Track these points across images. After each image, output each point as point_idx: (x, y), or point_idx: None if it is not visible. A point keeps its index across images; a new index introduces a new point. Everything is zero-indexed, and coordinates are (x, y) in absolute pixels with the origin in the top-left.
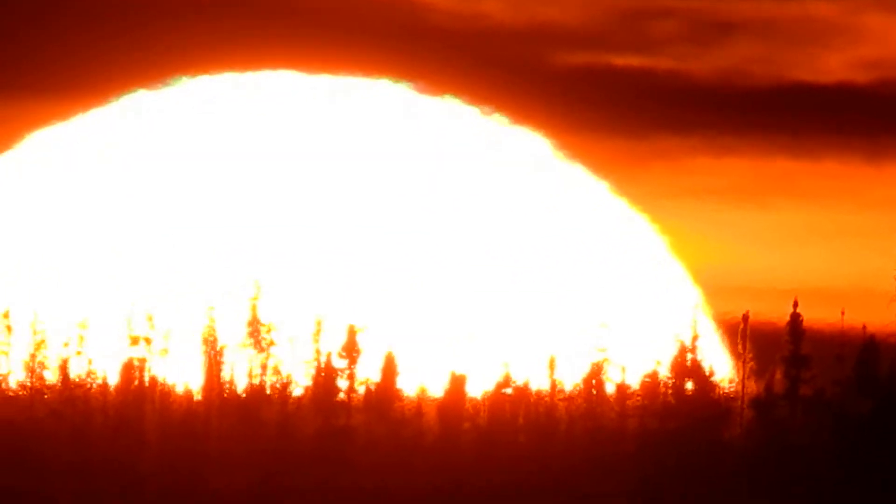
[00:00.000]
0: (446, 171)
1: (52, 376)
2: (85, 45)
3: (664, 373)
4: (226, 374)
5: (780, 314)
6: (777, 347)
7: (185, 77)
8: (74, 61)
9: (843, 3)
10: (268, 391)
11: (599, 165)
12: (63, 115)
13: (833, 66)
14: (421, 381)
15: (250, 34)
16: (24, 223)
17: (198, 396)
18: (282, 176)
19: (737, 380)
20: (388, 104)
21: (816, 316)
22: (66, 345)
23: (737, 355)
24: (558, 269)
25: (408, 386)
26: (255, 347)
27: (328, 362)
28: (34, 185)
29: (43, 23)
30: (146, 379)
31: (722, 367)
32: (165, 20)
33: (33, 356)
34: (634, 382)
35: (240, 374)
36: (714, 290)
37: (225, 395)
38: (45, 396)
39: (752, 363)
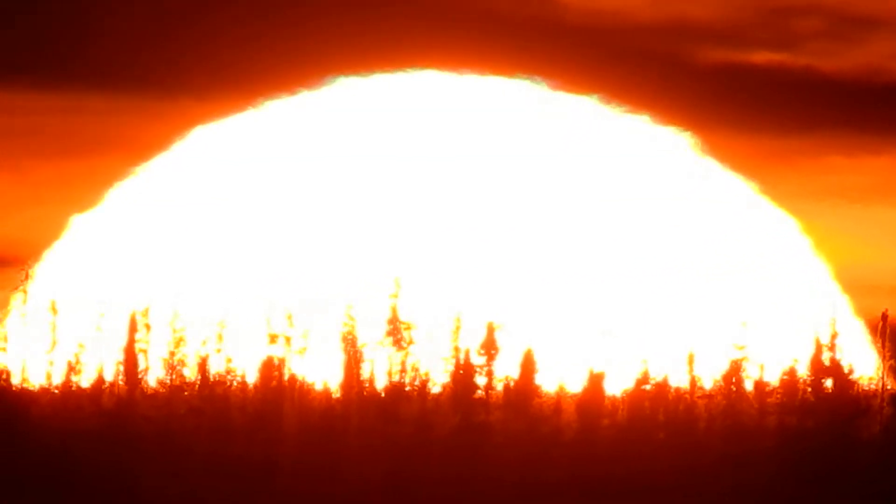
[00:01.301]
0: (586, 169)
1: (191, 374)
2: (243, 46)
3: (803, 370)
4: (365, 372)
5: None
6: None
7: (338, 77)
8: (233, 61)
9: None
10: (407, 388)
11: (741, 163)
12: (221, 114)
13: None
14: (560, 378)
15: (393, 34)
16: (174, 220)
17: (336, 394)
18: (421, 175)
19: (876, 377)
20: (526, 103)
21: None
22: (205, 342)
23: (878, 353)
24: (699, 267)
25: (547, 383)
26: (395, 345)
27: (467, 359)
28: (188, 183)
29: (204, 23)
30: (285, 377)
31: (863, 365)
32: (315, 21)
33: (172, 353)
34: (773, 380)
35: (379, 371)
36: (856, 288)
37: (364, 392)
38: (185, 393)
39: (892, 361)
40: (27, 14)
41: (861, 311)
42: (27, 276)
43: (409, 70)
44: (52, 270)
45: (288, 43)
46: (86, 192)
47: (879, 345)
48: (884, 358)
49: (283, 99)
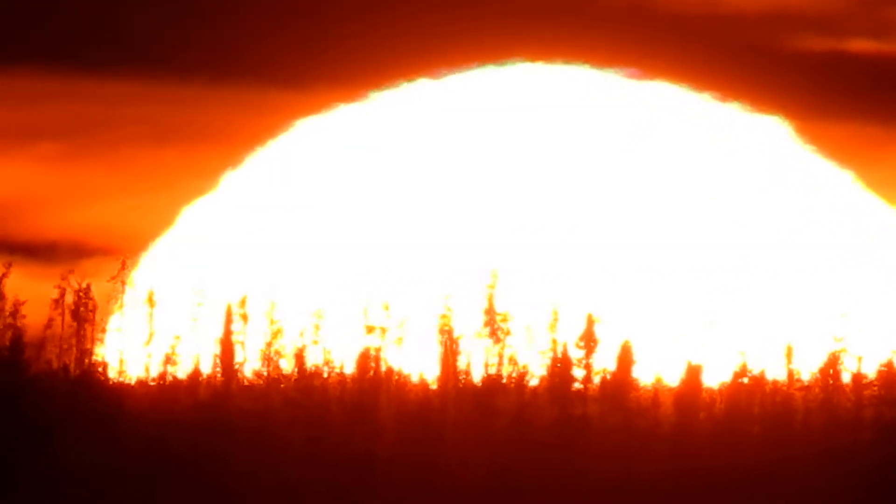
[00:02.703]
0: (685, 161)
1: (287, 365)
2: (349, 40)
3: None
4: (462, 364)
5: None
6: None
7: (441, 72)
8: (340, 55)
9: None
10: (504, 381)
11: (840, 152)
12: (327, 106)
13: None
14: (657, 371)
15: (489, 28)
16: (273, 212)
17: (433, 386)
18: (517, 167)
19: None
20: (622, 95)
21: None
22: (302, 334)
23: None
24: (798, 258)
25: (644, 375)
26: (492, 337)
27: (564, 352)
28: (289, 176)
29: (313, 17)
30: (382, 368)
31: None
32: (419, 17)
33: (269, 345)
34: (871, 372)
35: (476, 363)
36: None
37: (461, 384)
38: (282, 386)
39: None
40: (139, 6)
41: None
42: (124, 267)
43: (504, 63)
44: (158, 261)
45: (393, 38)
46: (196, 182)
47: None
48: None
49: (386, 92)
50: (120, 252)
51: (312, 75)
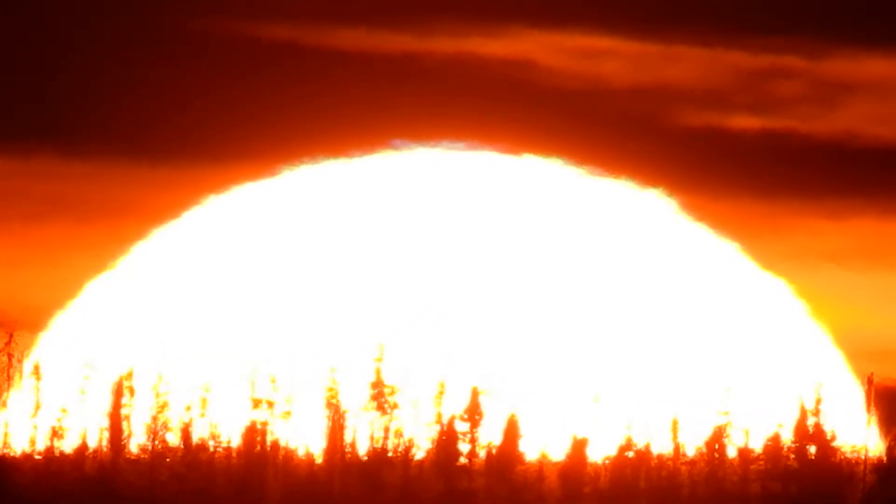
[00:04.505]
0: (569, 235)
1: (174, 439)
2: (258, 117)
3: (787, 436)
4: (348, 437)
5: None
6: None
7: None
8: (244, 132)
9: None
10: (390, 454)
11: (725, 226)
12: (235, 182)
13: None
14: (543, 445)
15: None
16: (164, 286)
17: (320, 460)
18: (403, 240)
19: (862, 444)
20: (507, 172)
21: None
22: (189, 408)
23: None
24: (684, 331)
25: (530, 449)
26: (379, 410)
27: (450, 425)
28: (186, 252)
29: (221, 94)
30: (268, 442)
31: (854, 431)
32: (330, 96)
33: (155, 419)
34: (757, 446)
35: (362, 436)
36: (854, 352)
37: (347, 458)
38: (168, 460)
39: (887, 427)
40: (47, 82)
41: (859, 374)
42: (10, 341)
43: (383, 148)
44: (56, 335)
45: (306, 116)
46: (101, 257)
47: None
48: (868, 424)
49: (296, 169)
50: (11, 325)
51: (222, 151)
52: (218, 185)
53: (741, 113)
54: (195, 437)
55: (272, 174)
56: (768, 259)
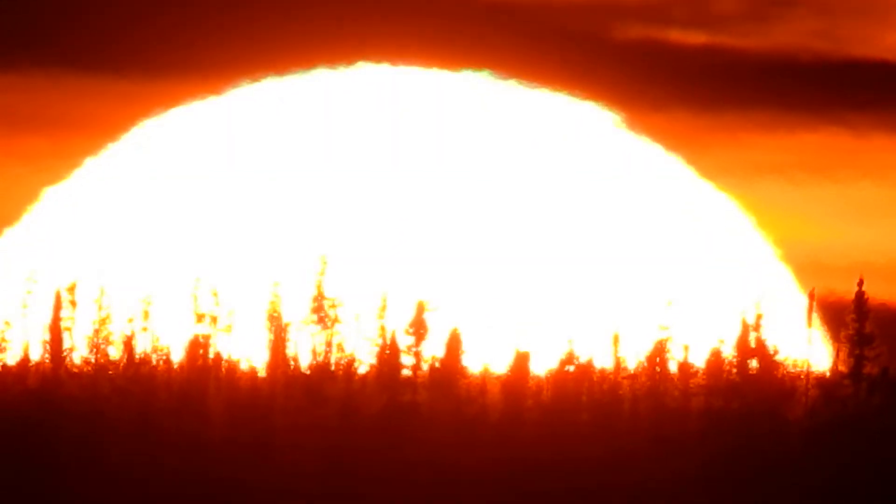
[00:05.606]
0: (511, 149)
1: (116, 352)
2: (209, 35)
3: (729, 351)
4: (290, 351)
5: (847, 291)
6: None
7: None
8: (187, 52)
9: None
10: (332, 368)
11: (668, 139)
12: (179, 99)
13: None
14: (485, 359)
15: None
16: (108, 200)
17: (262, 373)
18: (345, 155)
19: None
20: (447, 86)
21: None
22: (131, 321)
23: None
24: (626, 245)
25: (473, 363)
26: (321, 324)
27: (393, 339)
28: (131, 166)
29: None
30: (211, 356)
31: (797, 346)
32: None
33: (98, 332)
34: (699, 361)
35: (304, 350)
36: (801, 266)
37: (290, 371)
38: (110, 373)
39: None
40: None
41: (805, 288)
42: None
43: (347, 64)
44: (5, 248)
45: (251, 35)
46: (54, 171)
47: (808, 324)
48: (811, 338)
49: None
50: None
51: (175, 66)
52: (167, 100)
53: (680, 27)
54: (137, 351)
55: (218, 92)
56: (711, 171)
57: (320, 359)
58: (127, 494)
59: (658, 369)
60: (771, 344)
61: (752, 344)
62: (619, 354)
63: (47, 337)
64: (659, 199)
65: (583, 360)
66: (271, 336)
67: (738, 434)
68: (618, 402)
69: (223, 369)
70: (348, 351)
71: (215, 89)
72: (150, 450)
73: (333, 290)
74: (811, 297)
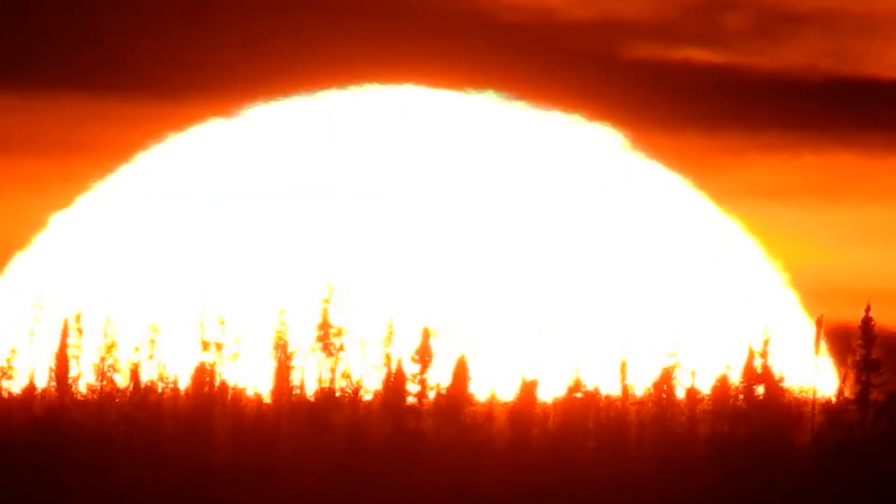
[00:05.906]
0: (519, 172)
1: (122, 380)
2: (222, 54)
3: (736, 377)
4: (296, 378)
5: (854, 317)
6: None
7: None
8: (207, 70)
9: None
10: (338, 395)
11: (674, 161)
12: (188, 122)
13: None
14: (492, 386)
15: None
16: (115, 227)
17: (268, 400)
18: (351, 179)
19: (812, 385)
20: (457, 108)
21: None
22: (138, 349)
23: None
24: (633, 271)
25: (479, 390)
26: (325, 351)
27: (399, 367)
28: (140, 191)
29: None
30: (217, 383)
31: (804, 372)
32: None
33: (104, 359)
34: (705, 387)
35: (310, 378)
36: (808, 292)
37: (295, 398)
38: (116, 400)
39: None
40: (5, 18)
41: (812, 314)
42: None
43: (350, 85)
44: (13, 274)
45: (264, 55)
46: (61, 196)
47: (815, 350)
48: (817, 364)
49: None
50: None
51: (184, 88)
52: (174, 124)
53: (688, 46)
54: (144, 378)
55: (229, 114)
56: (718, 194)
57: (325, 386)
58: None
59: (665, 395)
60: (777, 370)
61: (759, 370)
62: (626, 381)
63: (53, 364)
64: (665, 223)
65: (590, 387)
66: (277, 363)
67: (744, 459)
68: (625, 428)
69: (229, 396)
70: (354, 378)
71: (222, 112)
72: (156, 475)
73: (339, 316)
74: (818, 324)
